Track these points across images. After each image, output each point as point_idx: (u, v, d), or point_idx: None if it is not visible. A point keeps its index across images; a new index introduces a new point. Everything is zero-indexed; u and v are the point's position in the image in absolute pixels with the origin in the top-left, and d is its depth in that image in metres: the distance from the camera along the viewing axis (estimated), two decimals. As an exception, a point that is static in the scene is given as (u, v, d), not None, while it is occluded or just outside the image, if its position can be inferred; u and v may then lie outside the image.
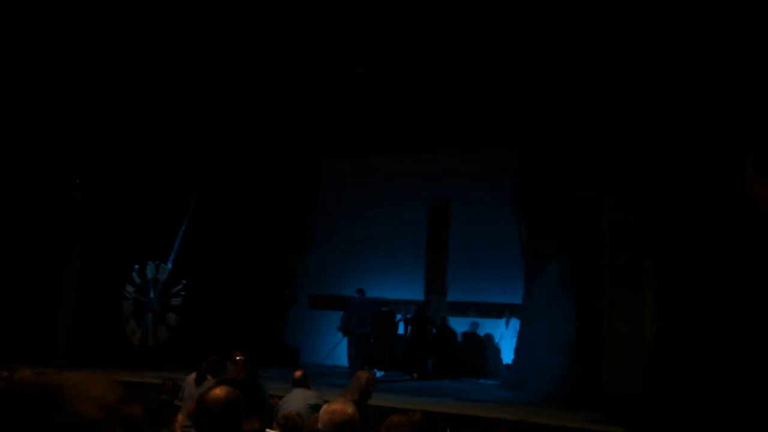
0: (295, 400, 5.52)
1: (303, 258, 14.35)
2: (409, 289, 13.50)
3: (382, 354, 12.59)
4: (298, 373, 5.94)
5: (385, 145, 12.78)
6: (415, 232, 13.71)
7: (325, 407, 3.21)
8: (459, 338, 12.81)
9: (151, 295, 12.18)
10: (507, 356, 12.12)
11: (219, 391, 2.60)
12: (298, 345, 13.82)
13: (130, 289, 12.02)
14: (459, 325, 13.06)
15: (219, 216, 12.99)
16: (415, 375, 11.97)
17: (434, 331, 12.59)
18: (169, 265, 12.35)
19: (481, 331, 12.88)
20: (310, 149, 13.82)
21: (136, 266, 12.05)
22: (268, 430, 4.39)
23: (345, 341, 11.89)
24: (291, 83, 11.45)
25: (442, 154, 13.09)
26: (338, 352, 12.25)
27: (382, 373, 12.20)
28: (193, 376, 6.67)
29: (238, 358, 5.90)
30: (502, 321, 12.35)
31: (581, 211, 9.23)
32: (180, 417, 5.96)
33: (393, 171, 13.53)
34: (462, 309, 13.20)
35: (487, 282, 12.96)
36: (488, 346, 12.65)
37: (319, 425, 3.13)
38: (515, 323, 11.98)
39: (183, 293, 12.49)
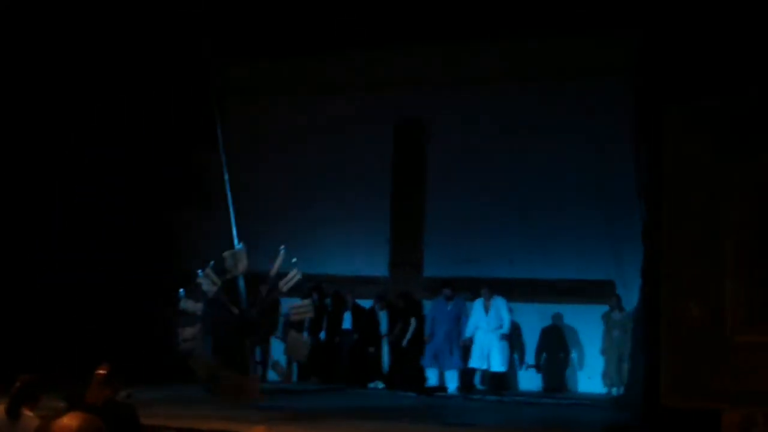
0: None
1: (201, 218, 13.92)
2: (367, 262, 13.53)
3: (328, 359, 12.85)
4: (101, 372, 5.80)
5: (321, 42, 12.82)
6: (374, 172, 13.65)
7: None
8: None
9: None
10: (496, 359, 12.20)
11: (69, 422, 2.81)
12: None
13: None
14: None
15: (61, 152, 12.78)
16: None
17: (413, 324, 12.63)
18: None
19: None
20: (201, 55, 13.12)
21: None
22: None
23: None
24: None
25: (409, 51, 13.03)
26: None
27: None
28: (1, 408, 6.27)
29: (99, 372, 5.83)
30: (478, 305, 12.26)
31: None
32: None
33: (336, 80, 13.67)
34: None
35: (486, 248, 13.02)
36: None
37: None
38: (499, 307, 12.13)
39: None
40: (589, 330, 12.44)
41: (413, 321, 12.53)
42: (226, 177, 12.09)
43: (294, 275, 10.90)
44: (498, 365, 12.11)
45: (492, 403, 11.40)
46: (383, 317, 12.74)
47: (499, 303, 12.15)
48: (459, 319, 12.28)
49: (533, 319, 12.71)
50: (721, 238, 7.36)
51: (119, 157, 13.36)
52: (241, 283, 11.07)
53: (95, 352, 6.70)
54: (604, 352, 12.15)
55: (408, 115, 13.66)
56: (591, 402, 11.38)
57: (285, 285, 10.94)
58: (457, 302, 12.34)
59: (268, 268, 11.27)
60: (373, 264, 13.46)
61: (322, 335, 12.79)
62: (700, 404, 7.04)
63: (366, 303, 12.94)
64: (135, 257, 13.34)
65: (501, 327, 12.01)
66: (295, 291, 12.74)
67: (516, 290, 12.71)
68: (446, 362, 12.24)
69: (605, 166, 12.26)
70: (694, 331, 7.35)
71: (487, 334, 12.06)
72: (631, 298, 11.57)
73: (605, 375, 12.13)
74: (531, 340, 12.84)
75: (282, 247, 11.02)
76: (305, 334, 12.36)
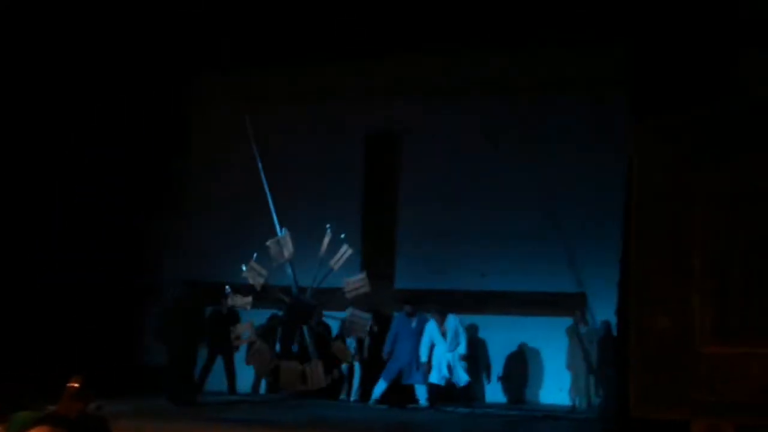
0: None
1: (170, 226, 13.97)
2: (338, 272, 12.82)
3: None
4: (74, 385, 5.76)
5: (291, 54, 12.97)
6: (346, 183, 13.72)
7: None
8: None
9: None
10: (458, 375, 12.15)
11: None
12: (160, 361, 12.92)
13: None
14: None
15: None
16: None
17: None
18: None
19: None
20: (176, 66, 13.65)
21: None
22: None
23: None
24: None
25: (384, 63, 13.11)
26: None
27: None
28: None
29: (72, 385, 5.81)
30: (432, 328, 12.05)
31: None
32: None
33: (307, 90, 13.66)
34: (418, 302, 12.76)
35: (458, 261, 13.08)
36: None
37: None
38: (454, 328, 12.00)
39: None
40: (561, 342, 12.36)
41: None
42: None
43: (344, 252, 10.85)
44: (461, 380, 12.03)
45: (464, 416, 11.34)
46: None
47: (453, 323, 12.01)
48: (421, 335, 12.11)
49: (504, 331, 12.67)
50: (690, 250, 7.29)
51: (119, 158, 13.31)
52: (289, 269, 11.17)
53: (83, 355, 6.57)
54: (569, 366, 12.12)
55: (380, 127, 13.64)
56: (562, 414, 11.39)
57: (336, 263, 10.91)
58: (420, 318, 12.18)
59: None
60: (344, 275, 12.78)
61: (295, 348, 12.42)
62: (668, 415, 6.98)
63: (339, 315, 12.72)
64: (132, 260, 13.39)
65: (458, 345, 11.95)
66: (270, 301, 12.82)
67: (488, 303, 12.68)
68: (413, 377, 12.11)
69: (580, 177, 12.38)
70: (662, 342, 7.26)
71: (445, 354, 11.96)
72: (603, 310, 11.61)
73: (571, 388, 12.09)
74: (501, 353, 12.81)
75: (328, 225, 11.10)
76: (277, 346, 12.23)
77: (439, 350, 11.96)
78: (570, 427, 10.60)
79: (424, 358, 11.90)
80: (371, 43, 12.44)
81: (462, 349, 11.94)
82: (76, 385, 5.78)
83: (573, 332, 11.96)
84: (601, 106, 11.64)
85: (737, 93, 9.04)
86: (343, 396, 12.70)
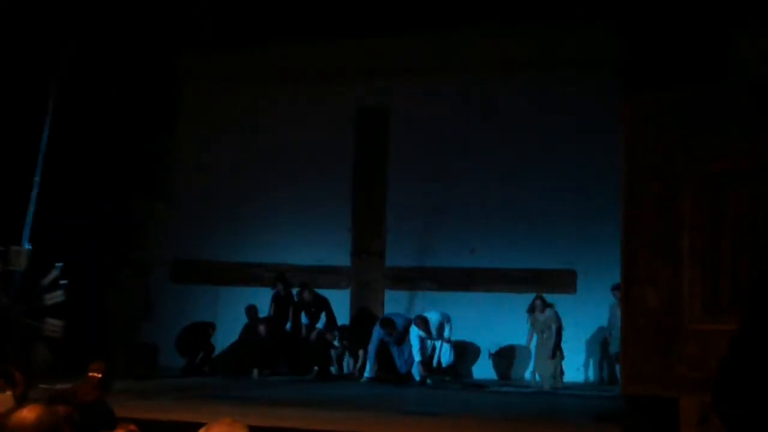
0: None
1: (158, 204, 14.03)
2: (329, 251, 13.53)
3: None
4: (96, 375, 6.01)
5: (277, 31, 12.80)
6: (335, 160, 13.72)
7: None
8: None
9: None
10: (445, 356, 12.32)
11: (27, 414, 2.76)
12: (154, 341, 13.56)
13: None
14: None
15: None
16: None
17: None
18: (27, 245, 11.06)
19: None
20: (162, 42, 13.41)
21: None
22: None
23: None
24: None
25: (373, 39, 12.96)
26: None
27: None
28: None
29: (94, 375, 5.97)
30: (414, 338, 12.11)
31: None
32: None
33: (296, 67, 13.55)
34: (408, 280, 13.29)
35: (448, 238, 13.16)
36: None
37: None
38: (436, 321, 12.10)
39: (63, 285, 11.27)
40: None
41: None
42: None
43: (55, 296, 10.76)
44: (446, 359, 12.24)
45: (457, 390, 11.62)
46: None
47: (435, 318, 12.07)
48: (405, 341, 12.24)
49: (493, 308, 12.79)
50: (679, 228, 7.31)
51: (104, 138, 13.23)
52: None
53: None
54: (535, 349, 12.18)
55: (370, 103, 13.64)
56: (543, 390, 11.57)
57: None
58: (398, 333, 12.21)
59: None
60: (335, 253, 13.46)
61: (288, 326, 12.77)
62: (658, 392, 7.04)
63: (329, 293, 12.99)
64: (103, 245, 13.20)
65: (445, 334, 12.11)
66: (257, 281, 13.11)
67: (477, 280, 12.83)
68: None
69: (570, 154, 12.47)
70: (652, 319, 7.29)
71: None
72: (593, 287, 11.87)
73: (534, 369, 12.19)
74: (492, 329, 12.88)
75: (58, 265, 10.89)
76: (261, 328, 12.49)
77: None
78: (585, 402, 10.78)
79: (417, 357, 12.04)
80: (360, 19, 12.31)
81: (446, 334, 12.10)
82: (99, 375, 5.92)
83: (533, 319, 12.01)
84: (597, 84, 11.69)
85: (734, 72, 9.06)
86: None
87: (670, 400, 6.83)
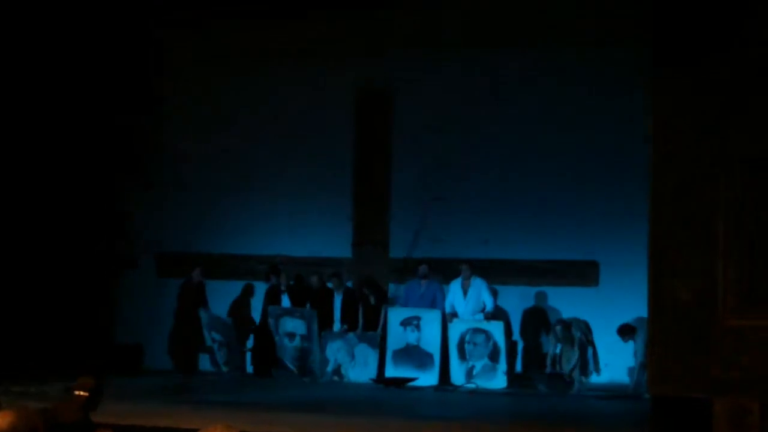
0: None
1: (140, 193, 14.09)
2: (328, 241, 13.58)
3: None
4: (82, 393, 5.88)
5: (272, 5, 12.94)
6: (335, 141, 13.71)
7: None
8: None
9: None
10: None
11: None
12: (138, 339, 13.52)
13: None
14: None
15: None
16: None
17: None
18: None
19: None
20: (146, 14, 13.49)
21: None
22: None
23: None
24: None
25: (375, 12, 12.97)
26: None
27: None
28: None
29: (80, 393, 5.87)
30: (455, 286, 12.41)
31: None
32: None
33: (293, 43, 13.49)
34: (415, 272, 13.09)
35: (458, 226, 13.19)
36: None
37: None
38: (479, 289, 12.29)
39: None
40: (571, 315, 12.43)
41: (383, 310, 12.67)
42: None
43: None
44: None
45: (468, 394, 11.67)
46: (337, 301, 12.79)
47: (480, 284, 12.25)
48: (434, 303, 12.36)
49: (510, 302, 12.87)
50: (712, 215, 7.44)
51: (84, 117, 13.30)
52: None
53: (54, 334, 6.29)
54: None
55: (371, 80, 13.63)
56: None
57: None
58: (431, 283, 12.43)
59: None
60: (334, 243, 13.49)
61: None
62: (689, 393, 7.15)
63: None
64: (68, 235, 13.24)
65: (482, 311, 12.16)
66: (253, 275, 13.31)
67: (491, 272, 12.79)
68: None
69: (591, 134, 12.42)
70: (682, 315, 7.42)
71: (460, 324, 12.16)
72: (617, 280, 11.89)
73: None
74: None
75: None
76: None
77: (456, 322, 12.20)
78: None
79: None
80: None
81: (489, 306, 12.19)
82: (85, 394, 5.80)
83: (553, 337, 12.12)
84: (622, 57, 11.67)
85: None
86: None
87: (702, 402, 6.90)
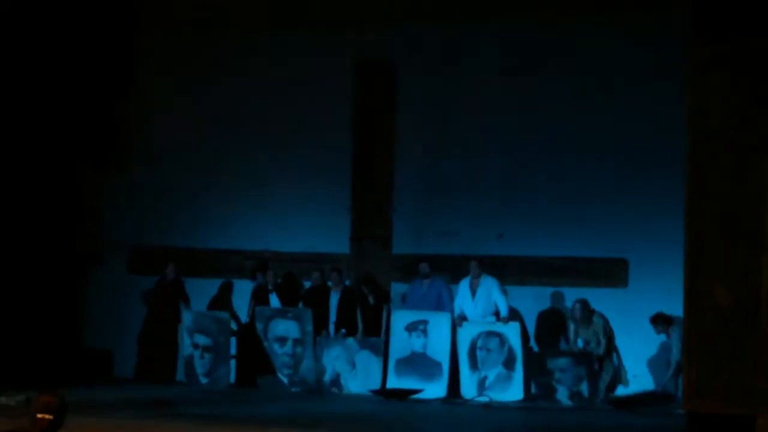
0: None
1: (112, 182, 13.99)
2: (324, 236, 13.41)
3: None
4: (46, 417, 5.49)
5: None
6: (331, 125, 13.51)
7: None
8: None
9: None
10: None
11: None
12: (107, 343, 13.56)
13: None
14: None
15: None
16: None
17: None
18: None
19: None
20: None
21: None
22: None
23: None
24: None
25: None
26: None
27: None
28: None
29: (43, 416, 5.56)
30: (463, 286, 12.36)
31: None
32: None
33: (283, 12, 13.29)
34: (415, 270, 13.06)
35: (469, 219, 12.98)
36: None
37: None
38: (489, 289, 12.17)
39: None
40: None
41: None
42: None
43: None
44: None
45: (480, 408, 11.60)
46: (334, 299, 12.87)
47: (491, 284, 12.14)
48: (439, 302, 12.28)
49: (526, 303, 12.65)
50: (757, 206, 7.57)
51: (51, 100, 13.14)
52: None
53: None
54: None
55: (372, 56, 13.45)
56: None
57: None
58: (434, 281, 12.38)
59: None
60: (330, 238, 13.41)
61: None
62: (728, 409, 7.29)
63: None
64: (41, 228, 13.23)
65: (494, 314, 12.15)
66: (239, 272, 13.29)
67: (506, 270, 12.67)
68: None
69: (619, 116, 12.24)
70: (722, 320, 7.59)
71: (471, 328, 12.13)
72: (648, 280, 11.71)
73: None
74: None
75: None
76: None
77: (466, 325, 12.13)
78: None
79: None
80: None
81: (503, 310, 12.10)
82: (49, 417, 5.49)
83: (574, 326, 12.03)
84: (655, 27, 11.51)
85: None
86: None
87: (743, 419, 7.03)
